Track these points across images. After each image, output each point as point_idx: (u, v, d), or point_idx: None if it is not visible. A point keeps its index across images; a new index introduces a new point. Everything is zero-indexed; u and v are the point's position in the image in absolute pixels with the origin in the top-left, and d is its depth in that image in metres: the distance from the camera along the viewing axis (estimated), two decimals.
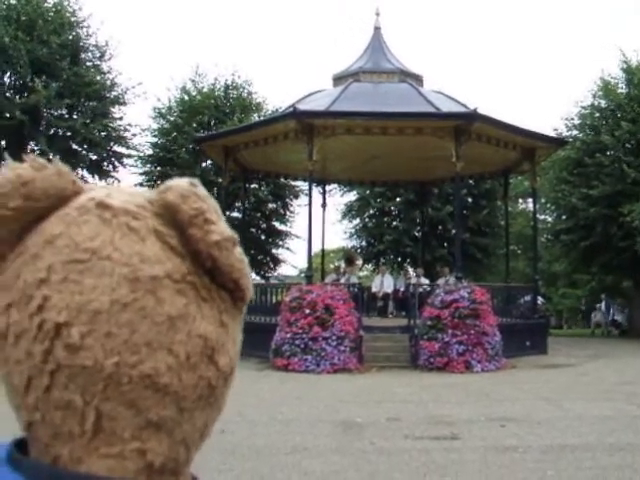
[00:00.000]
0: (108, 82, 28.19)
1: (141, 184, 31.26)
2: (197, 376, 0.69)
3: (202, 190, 0.70)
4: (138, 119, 40.22)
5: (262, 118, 28.67)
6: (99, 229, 0.68)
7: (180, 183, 0.70)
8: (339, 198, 35.82)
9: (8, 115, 24.89)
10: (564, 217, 31.50)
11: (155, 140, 31.35)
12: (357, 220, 36.21)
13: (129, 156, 30.11)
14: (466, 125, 18.67)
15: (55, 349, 0.66)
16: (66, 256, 0.67)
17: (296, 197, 33.17)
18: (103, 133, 27.67)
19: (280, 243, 33.99)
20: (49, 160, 0.72)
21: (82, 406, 0.66)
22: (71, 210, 0.69)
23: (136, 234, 0.68)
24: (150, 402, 0.67)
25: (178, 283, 0.69)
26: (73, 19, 27.32)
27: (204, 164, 30.16)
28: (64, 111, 26.88)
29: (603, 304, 38.85)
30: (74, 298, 0.66)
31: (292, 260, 36.19)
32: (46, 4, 26.69)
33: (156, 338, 0.67)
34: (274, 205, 32.97)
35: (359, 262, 32.91)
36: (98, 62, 28.28)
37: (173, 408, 0.68)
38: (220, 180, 24.44)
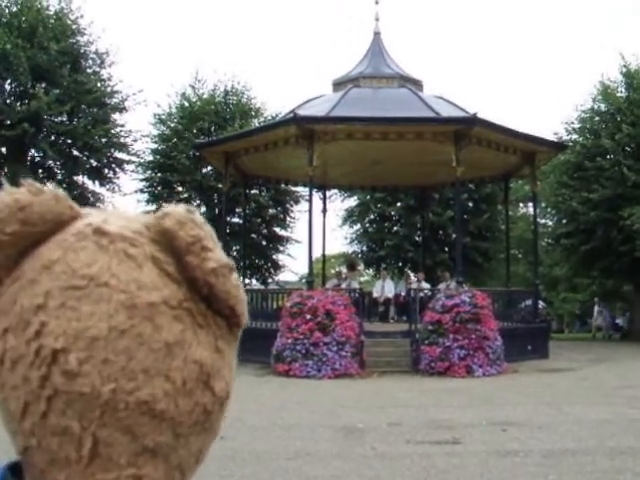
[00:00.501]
0: (108, 89, 28.26)
1: (141, 190, 31.34)
2: (193, 402, 0.70)
3: (199, 217, 0.71)
4: (138, 125, 40.39)
5: (262, 124, 28.70)
6: (96, 255, 0.68)
7: (177, 210, 0.71)
8: (339, 203, 35.82)
9: (9, 122, 24.93)
10: (564, 221, 31.49)
11: (155, 146, 31.36)
12: (358, 225, 36.20)
13: (129, 162, 30.17)
14: (466, 130, 18.67)
15: (52, 375, 0.66)
16: (64, 282, 0.67)
17: (296, 203, 33.20)
18: (104, 139, 27.71)
19: (281, 249, 34.00)
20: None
21: (79, 432, 0.66)
22: (68, 236, 0.70)
23: (133, 261, 0.69)
24: (146, 428, 0.67)
25: (175, 309, 0.69)
26: (74, 26, 27.40)
27: (204, 170, 30.17)
28: (64, 118, 26.93)
29: (596, 308, 39.09)
30: (71, 324, 0.66)
31: (293, 266, 36.25)
32: (47, 11, 26.77)
33: (153, 365, 0.67)
34: (274, 211, 32.98)
35: (360, 267, 32.91)
36: (98, 69, 28.36)
37: (169, 434, 0.69)
38: (220, 186, 24.45)
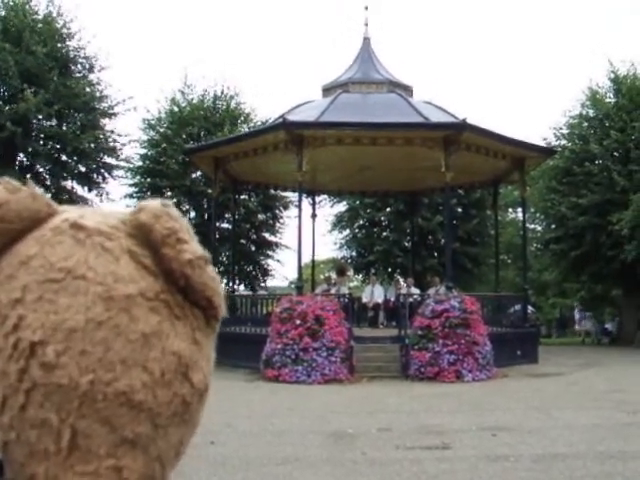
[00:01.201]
0: (97, 94, 28.18)
1: (131, 195, 31.25)
2: (172, 393, 0.70)
3: (174, 210, 0.72)
4: (128, 130, 40.06)
5: (251, 129, 28.67)
6: (73, 249, 0.69)
7: (153, 203, 0.72)
8: (329, 209, 35.80)
9: None
10: (553, 226, 31.60)
11: (145, 151, 31.28)
12: (347, 231, 36.19)
13: (119, 167, 30.08)
14: (455, 135, 18.70)
15: (30, 368, 0.66)
16: (41, 276, 0.67)
17: (286, 208, 33.16)
18: (93, 144, 27.62)
19: (270, 254, 33.95)
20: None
21: (57, 424, 0.66)
22: (45, 231, 0.70)
23: (110, 254, 0.69)
24: (125, 419, 0.67)
25: (152, 301, 0.69)
26: (64, 31, 27.33)
27: (194, 175, 30.10)
28: (53, 122, 26.86)
29: (576, 312, 39.34)
30: (49, 317, 0.66)
31: (282, 271, 36.07)
32: (36, 15, 26.71)
33: (130, 355, 0.67)
34: (264, 216, 32.94)
35: (350, 273, 32.88)
36: (87, 74, 28.29)
37: (148, 425, 0.69)
38: (210, 191, 24.40)
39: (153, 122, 31.64)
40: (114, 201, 30.41)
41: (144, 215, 0.70)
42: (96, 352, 0.66)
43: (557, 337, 42.15)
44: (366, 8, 24.43)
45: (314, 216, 27.16)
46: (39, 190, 0.72)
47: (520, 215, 31.44)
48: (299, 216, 20.38)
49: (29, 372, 0.66)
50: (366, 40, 24.28)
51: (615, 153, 28.22)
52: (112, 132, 28.99)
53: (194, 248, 0.71)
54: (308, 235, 26.03)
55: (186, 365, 0.71)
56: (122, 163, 30.12)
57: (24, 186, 0.71)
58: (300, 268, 20.09)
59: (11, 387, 0.66)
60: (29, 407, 0.66)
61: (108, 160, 29.33)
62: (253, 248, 33.27)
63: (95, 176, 29.15)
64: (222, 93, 32.53)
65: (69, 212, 0.73)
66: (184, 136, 30.17)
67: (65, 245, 0.69)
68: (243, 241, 31.87)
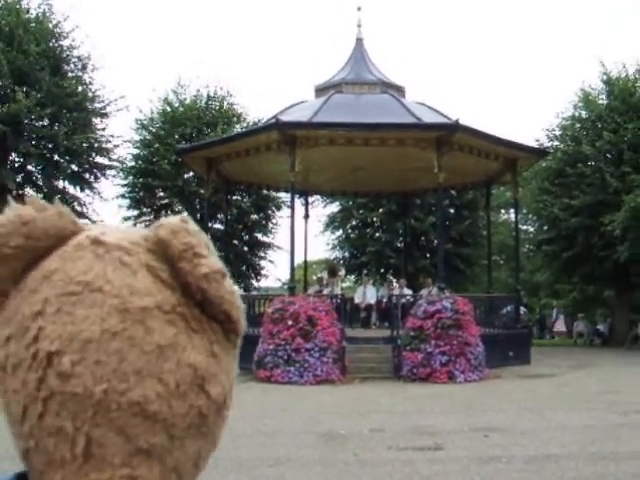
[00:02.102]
0: (90, 94, 28.11)
1: (123, 195, 31.20)
2: (187, 405, 0.71)
3: (193, 226, 0.73)
4: (120, 131, 40.02)
5: (244, 129, 28.65)
6: (92, 263, 0.71)
7: (171, 220, 0.74)
8: (321, 209, 35.81)
9: None
10: (546, 227, 31.66)
11: (137, 152, 31.24)
12: (340, 231, 36.22)
13: (111, 167, 30.00)
14: (448, 136, 18.71)
15: (48, 377, 0.68)
16: (60, 289, 0.70)
17: (278, 208, 33.18)
18: (85, 144, 27.53)
19: (262, 255, 33.95)
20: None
21: (72, 432, 0.67)
22: (68, 247, 0.73)
23: (128, 268, 0.71)
24: (139, 429, 0.69)
25: (168, 314, 0.71)
26: (56, 30, 27.25)
27: (186, 175, 30.07)
28: (46, 122, 26.78)
29: (554, 312, 39.41)
30: (66, 328, 0.68)
31: (274, 272, 36.05)
32: (28, 15, 26.61)
33: (145, 366, 0.69)
34: (256, 216, 32.92)
35: (342, 273, 32.90)
36: (80, 73, 28.21)
37: (163, 435, 0.70)
38: (202, 191, 24.37)
39: (146, 122, 31.61)
40: (107, 200, 30.39)
41: (163, 231, 0.72)
42: (110, 362, 0.68)
43: (538, 339, 42.06)
44: (359, 9, 24.51)
45: (307, 217, 27.16)
46: (65, 208, 0.74)
47: (512, 216, 31.53)
48: (292, 216, 20.38)
49: (46, 381, 0.68)
50: (359, 41, 24.32)
51: (608, 154, 28.30)
52: (104, 130, 28.94)
53: (211, 262, 0.72)
54: (300, 236, 25.99)
55: (202, 377, 0.72)
56: (114, 163, 30.07)
57: (51, 204, 0.74)
58: (292, 269, 20.08)
59: (30, 396, 0.68)
60: (46, 415, 0.68)
61: (100, 160, 29.27)
62: (246, 249, 33.27)
63: (87, 176, 29.07)
64: (215, 93, 32.53)
65: (92, 229, 0.75)
66: (177, 136, 30.14)
67: (85, 260, 0.71)
68: (236, 242, 31.88)
